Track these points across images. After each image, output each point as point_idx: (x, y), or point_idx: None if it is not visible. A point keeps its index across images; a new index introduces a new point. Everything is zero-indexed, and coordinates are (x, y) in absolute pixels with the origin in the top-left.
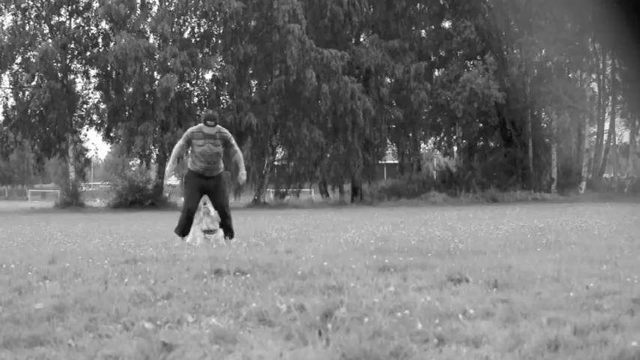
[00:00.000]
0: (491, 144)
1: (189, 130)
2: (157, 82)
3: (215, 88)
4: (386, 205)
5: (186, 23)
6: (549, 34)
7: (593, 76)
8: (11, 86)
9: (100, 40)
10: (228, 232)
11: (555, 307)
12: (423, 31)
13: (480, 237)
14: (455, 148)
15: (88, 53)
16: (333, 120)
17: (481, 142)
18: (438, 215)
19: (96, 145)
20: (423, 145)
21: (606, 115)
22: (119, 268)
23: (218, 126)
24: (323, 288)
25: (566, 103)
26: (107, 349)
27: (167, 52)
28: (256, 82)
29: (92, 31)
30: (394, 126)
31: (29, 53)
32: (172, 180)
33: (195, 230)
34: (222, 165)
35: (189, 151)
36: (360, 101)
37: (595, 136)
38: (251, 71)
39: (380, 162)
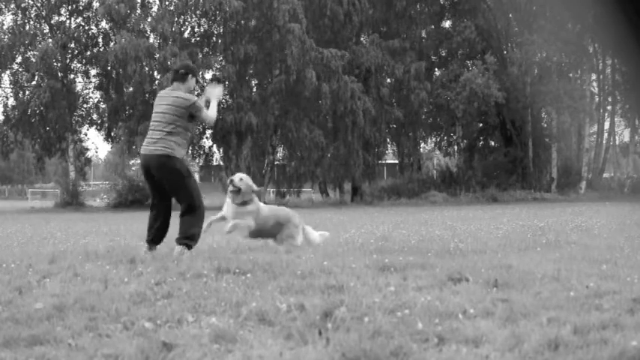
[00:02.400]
0: (492, 144)
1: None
2: (157, 81)
3: None
4: (386, 205)
5: (187, 23)
6: (549, 34)
7: (593, 76)
8: (11, 86)
9: (100, 39)
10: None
11: (555, 306)
12: (423, 31)
13: (480, 236)
14: (455, 148)
15: (88, 53)
16: (333, 120)
17: (481, 142)
18: (438, 215)
19: (96, 144)
20: (423, 145)
21: (606, 115)
22: (119, 268)
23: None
24: (323, 287)
25: (566, 103)
26: (107, 349)
27: (167, 51)
28: (256, 81)
29: (92, 31)
30: (394, 126)
31: (29, 53)
32: None
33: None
34: None
35: (182, 129)
36: (360, 101)
37: (595, 136)
38: (251, 71)
39: (380, 162)
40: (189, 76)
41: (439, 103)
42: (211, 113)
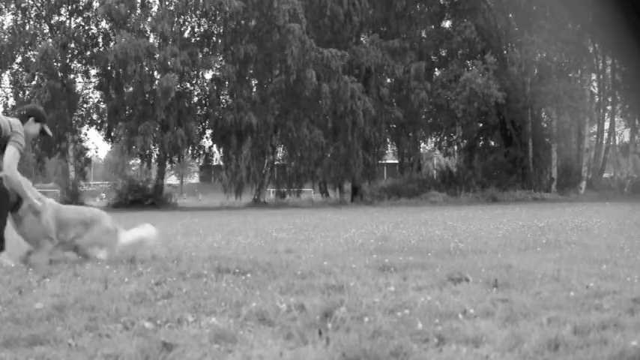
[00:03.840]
0: (492, 143)
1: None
2: (157, 81)
3: (215, 87)
4: (386, 205)
5: (187, 23)
6: (549, 34)
7: (593, 76)
8: (11, 86)
9: (100, 39)
10: None
11: (555, 306)
12: (423, 31)
13: (480, 236)
14: (455, 148)
15: (88, 53)
16: (333, 120)
17: (481, 142)
18: (438, 215)
19: (96, 144)
20: (423, 145)
21: (606, 115)
22: (119, 268)
23: None
24: (323, 287)
25: (566, 103)
26: (107, 349)
27: (167, 51)
28: (256, 81)
29: (92, 31)
30: (394, 126)
31: (29, 53)
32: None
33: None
34: None
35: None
36: (360, 101)
37: (595, 136)
38: (251, 71)
39: (380, 162)
40: (32, 119)
41: (439, 103)
42: (8, 158)
